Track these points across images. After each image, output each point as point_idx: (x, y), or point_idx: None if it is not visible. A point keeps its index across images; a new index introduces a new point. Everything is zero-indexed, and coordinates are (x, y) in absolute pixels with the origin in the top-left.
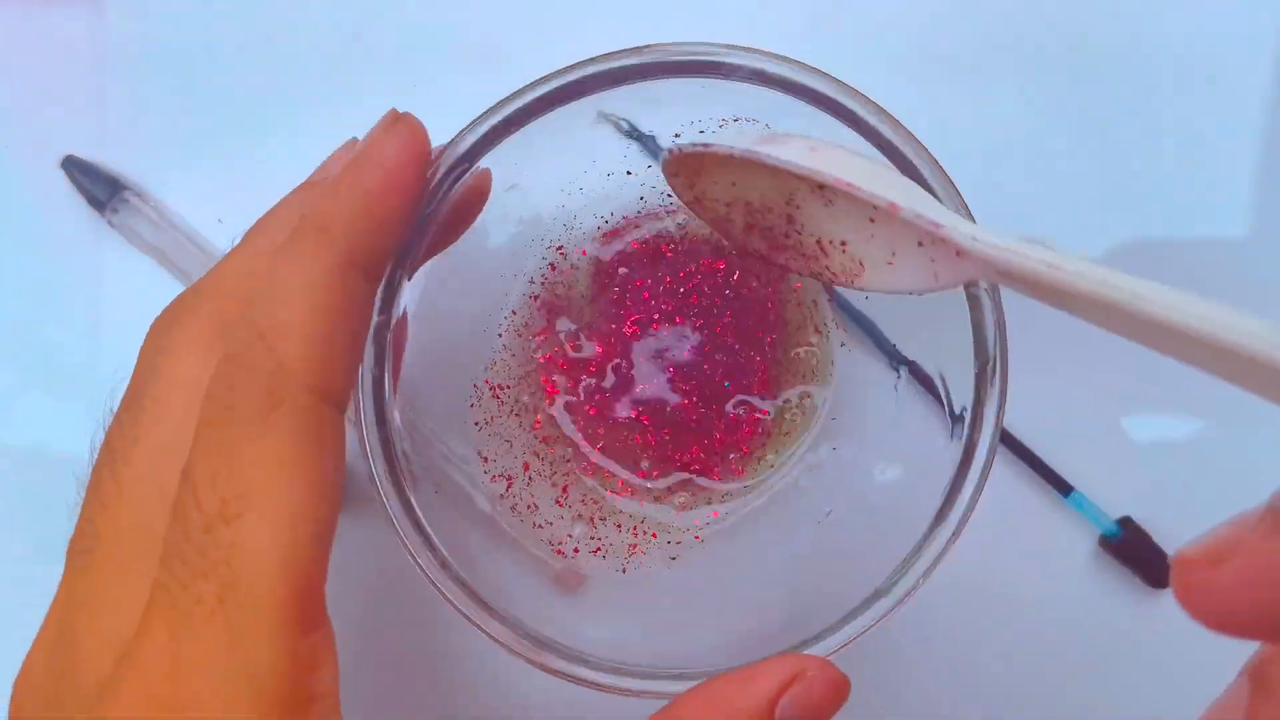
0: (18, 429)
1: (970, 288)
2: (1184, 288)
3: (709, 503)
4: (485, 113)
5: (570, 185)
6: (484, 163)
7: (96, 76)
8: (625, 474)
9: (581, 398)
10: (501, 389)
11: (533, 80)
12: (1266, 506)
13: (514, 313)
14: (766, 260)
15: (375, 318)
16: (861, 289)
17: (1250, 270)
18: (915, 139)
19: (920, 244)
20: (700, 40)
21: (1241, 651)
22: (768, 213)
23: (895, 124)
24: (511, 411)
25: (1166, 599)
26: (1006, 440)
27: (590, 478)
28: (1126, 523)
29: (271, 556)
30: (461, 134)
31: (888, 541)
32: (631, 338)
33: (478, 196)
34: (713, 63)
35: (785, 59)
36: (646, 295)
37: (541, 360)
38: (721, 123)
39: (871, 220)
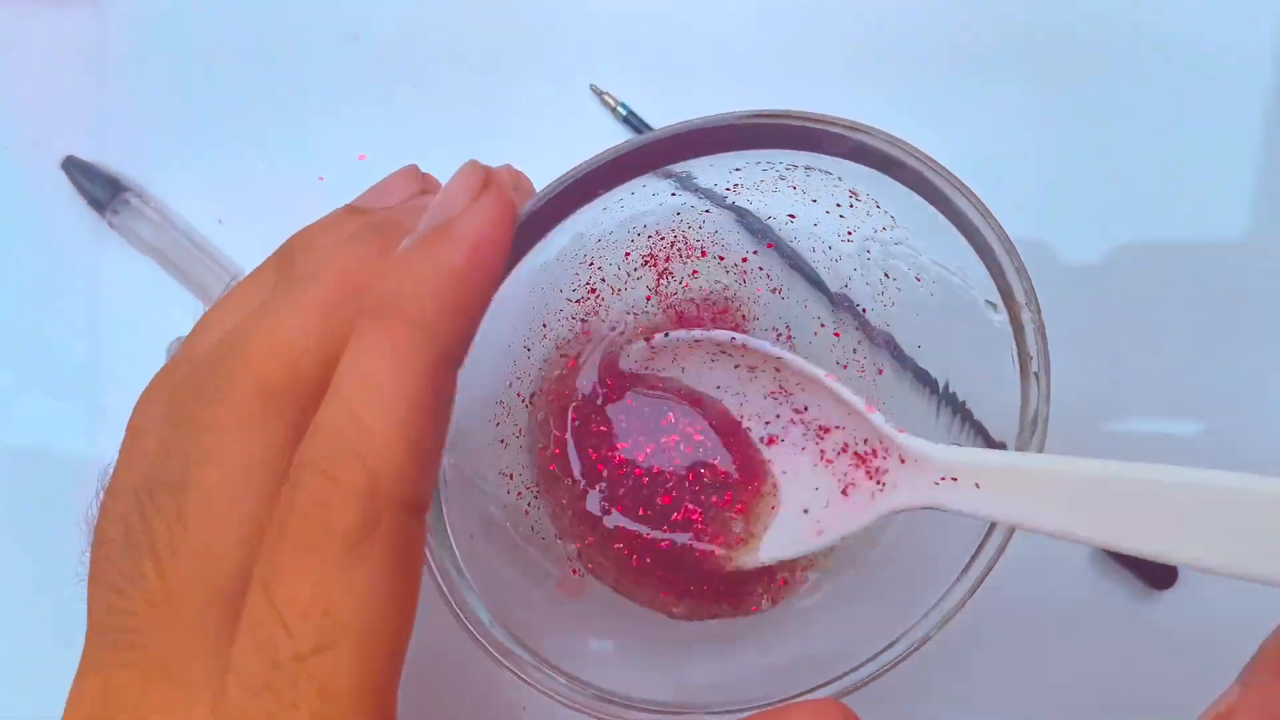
0: (17, 429)
1: (1025, 363)
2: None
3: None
4: (566, 184)
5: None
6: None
7: (97, 78)
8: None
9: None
10: (527, 407)
11: (623, 149)
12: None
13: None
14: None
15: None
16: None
17: (1251, 271)
18: (992, 217)
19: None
20: (793, 110)
21: (1241, 651)
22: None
23: (966, 190)
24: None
25: (1166, 599)
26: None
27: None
28: None
29: (364, 682)
30: (541, 203)
31: (908, 588)
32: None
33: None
34: (810, 132)
35: (884, 135)
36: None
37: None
38: (790, 167)
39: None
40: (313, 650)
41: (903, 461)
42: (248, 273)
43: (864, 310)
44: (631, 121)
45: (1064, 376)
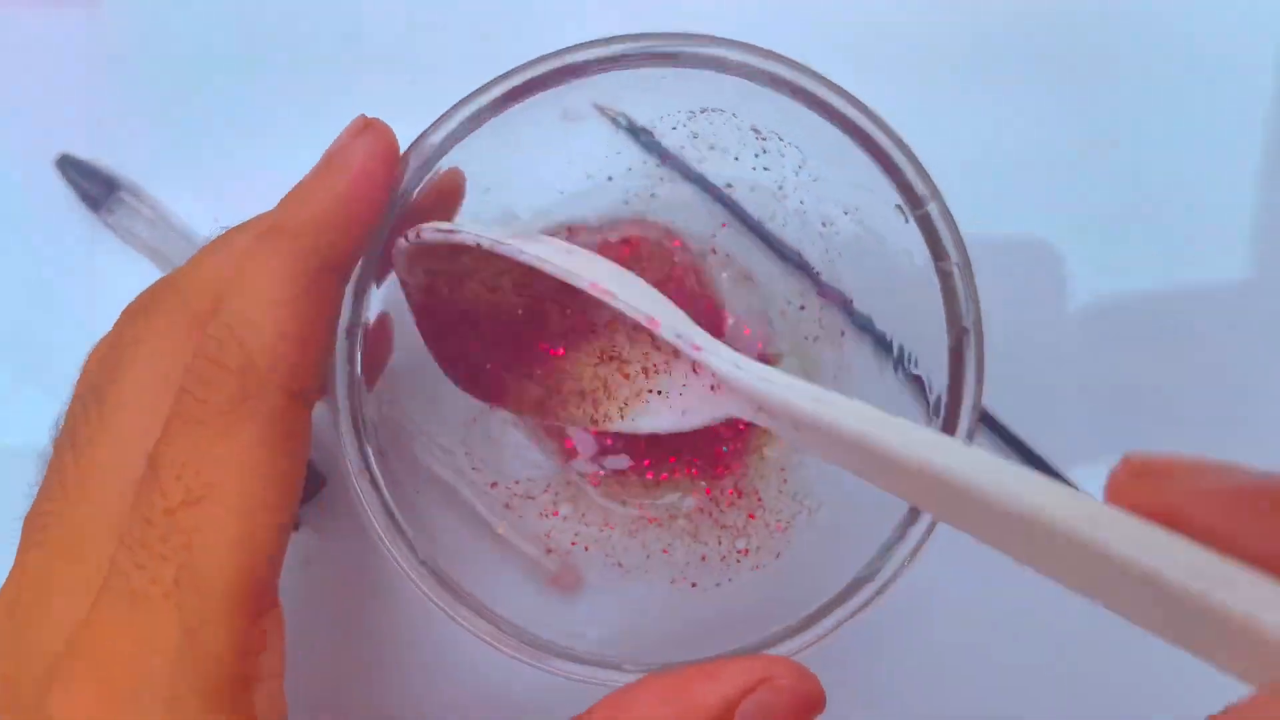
0: (11, 429)
1: (941, 263)
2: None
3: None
4: (450, 109)
5: (549, 187)
6: (458, 163)
7: (92, 76)
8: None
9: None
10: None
11: (493, 79)
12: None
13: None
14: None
15: (348, 314)
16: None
17: (1252, 271)
18: (882, 120)
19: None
20: (660, 30)
21: None
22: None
23: (858, 103)
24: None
25: None
26: (1007, 440)
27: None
28: None
29: (230, 543)
30: (426, 132)
31: (877, 531)
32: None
33: (450, 196)
34: (671, 53)
35: (742, 44)
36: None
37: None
38: (691, 114)
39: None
40: (182, 504)
41: (696, 372)
42: None
43: (819, 273)
44: (632, 131)
45: (1064, 375)
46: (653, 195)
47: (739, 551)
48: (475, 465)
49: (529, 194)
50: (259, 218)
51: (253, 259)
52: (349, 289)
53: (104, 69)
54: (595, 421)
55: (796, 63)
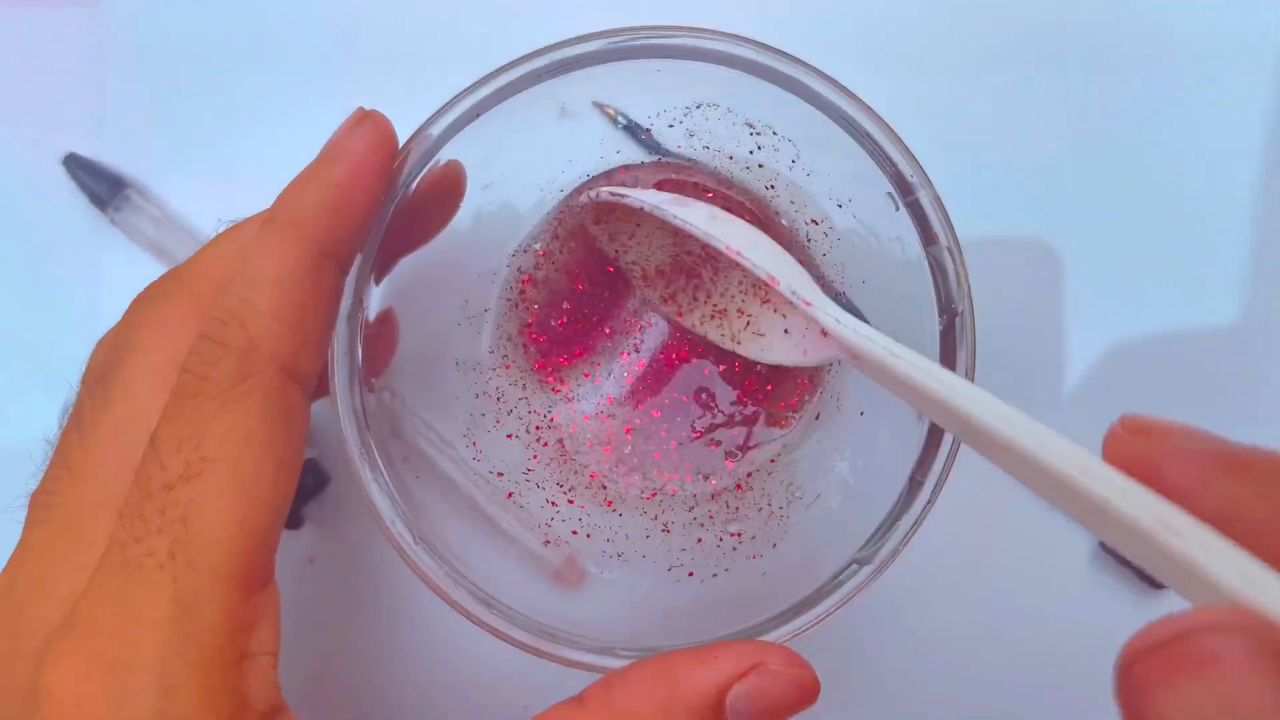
0: (17, 428)
1: (932, 248)
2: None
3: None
4: (450, 100)
5: (551, 184)
6: (456, 156)
7: (97, 75)
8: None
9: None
10: (492, 376)
11: (491, 71)
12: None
13: (503, 301)
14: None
15: (348, 302)
16: (742, 354)
17: (1251, 270)
18: (871, 109)
19: (788, 330)
20: (655, 24)
21: None
22: (674, 272)
23: (847, 93)
24: (501, 402)
25: (1167, 599)
26: None
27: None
28: None
29: (225, 518)
30: (425, 123)
31: (869, 519)
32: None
33: (450, 190)
34: (666, 45)
35: (736, 37)
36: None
37: (529, 349)
38: (686, 110)
39: (761, 299)
40: (180, 478)
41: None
42: None
43: (823, 278)
44: (632, 130)
45: (1064, 377)
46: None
47: (732, 535)
48: (477, 456)
49: (529, 190)
50: (265, 211)
51: (255, 246)
52: (350, 278)
53: (110, 69)
54: (727, 338)
55: (788, 54)
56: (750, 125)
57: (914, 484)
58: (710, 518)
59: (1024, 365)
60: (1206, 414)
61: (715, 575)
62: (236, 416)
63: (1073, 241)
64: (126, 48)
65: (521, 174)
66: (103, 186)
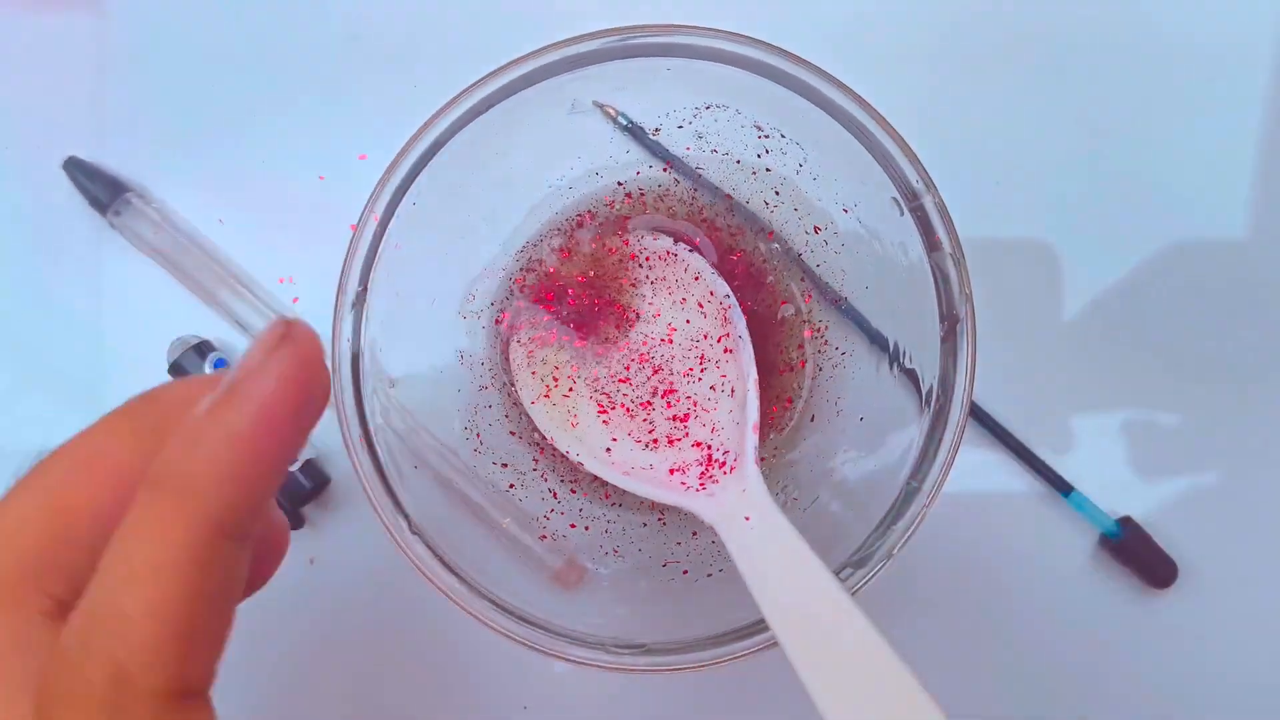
0: (18, 430)
1: (935, 254)
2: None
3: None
4: (458, 94)
5: (557, 179)
6: (464, 148)
7: (98, 79)
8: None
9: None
10: (496, 369)
11: (499, 65)
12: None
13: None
14: None
15: (355, 288)
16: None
17: (1252, 269)
18: (880, 115)
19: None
20: (665, 23)
21: (1240, 650)
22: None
23: (858, 98)
24: (504, 402)
25: (1167, 599)
26: (1006, 440)
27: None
28: (1126, 523)
29: None
30: (432, 117)
31: (864, 522)
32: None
33: (270, 552)
34: (675, 45)
35: (745, 38)
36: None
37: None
38: (696, 111)
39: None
40: None
41: (744, 491)
42: (249, 274)
43: (823, 280)
44: (633, 130)
45: (1064, 377)
46: (660, 196)
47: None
48: (478, 448)
49: (537, 185)
50: (81, 439)
51: (128, 524)
52: (346, 305)
53: (110, 73)
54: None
55: (799, 57)
56: (759, 128)
57: (911, 487)
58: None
59: (1024, 366)
60: (1206, 413)
61: (710, 575)
62: None
63: (1073, 241)
64: (127, 52)
65: (530, 168)
66: (103, 190)
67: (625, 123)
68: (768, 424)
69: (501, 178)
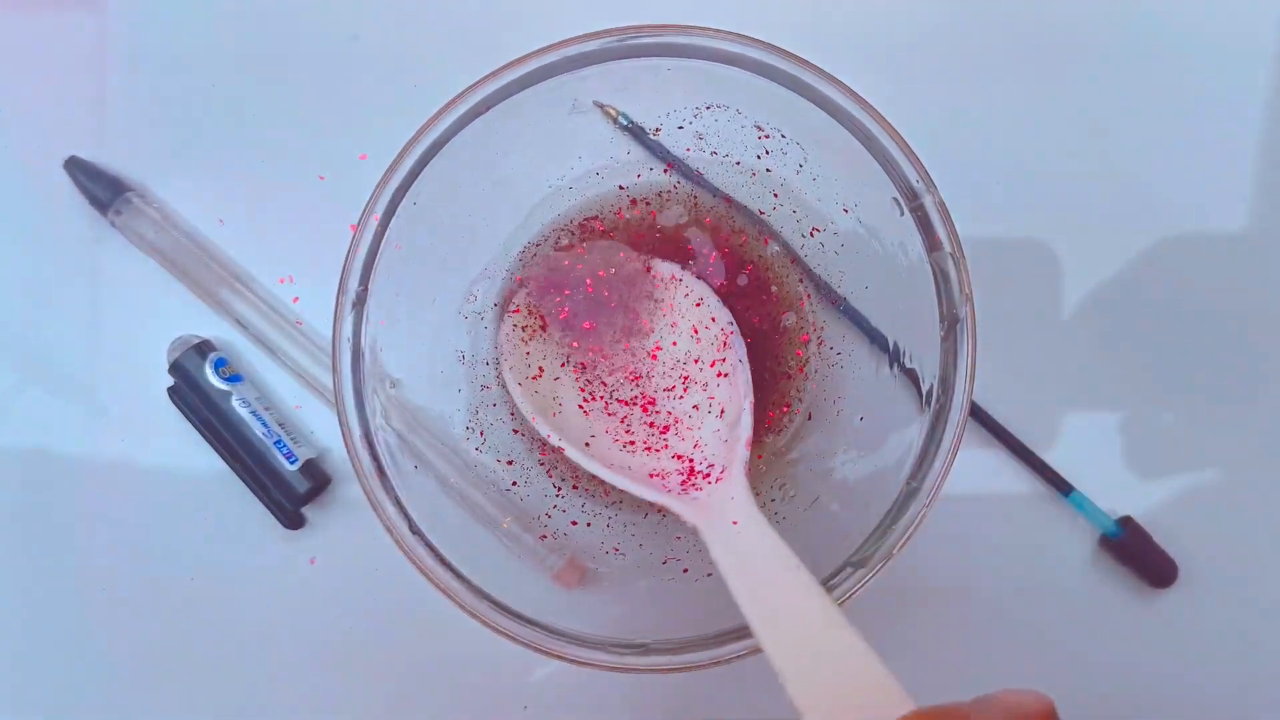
0: (18, 429)
1: (935, 254)
2: None
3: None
4: (460, 93)
5: (558, 179)
6: (465, 148)
7: (99, 79)
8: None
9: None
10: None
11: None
12: None
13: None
14: None
15: (355, 289)
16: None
17: (1250, 268)
18: (881, 115)
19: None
20: (666, 23)
21: (1240, 649)
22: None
23: (859, 99)
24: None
25: (1166, 599)
26: (1007, 441)
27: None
28: (1126, 522)
29: None
30: (435, 116)
31: (865, 522)
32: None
33: None
34: (676, 44)
35: (746, 38)
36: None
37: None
38: (696, 111)
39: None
40: None
41: (732, 499)
42: (249, 274)
43: (824, 280)
44: (633, 130)
45: (1064, 378)
46: (659, 196)
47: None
48: (479, 448)
49: (538, 185)
50: None
51: None
52: (357, 264)
53: (111, 73)
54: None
55: (799, 57)
56: (759, 128)
57: (910, 487)
58: None
59: (1024, 366)
60: (1206, 413)
61: (709, 574)
62: None
63: (1073, 241)
64: (128, 52)
65: (531, 169)
66: (103, 190)
67: (625, 123)
68: (765, 427)
69: (501, 178)
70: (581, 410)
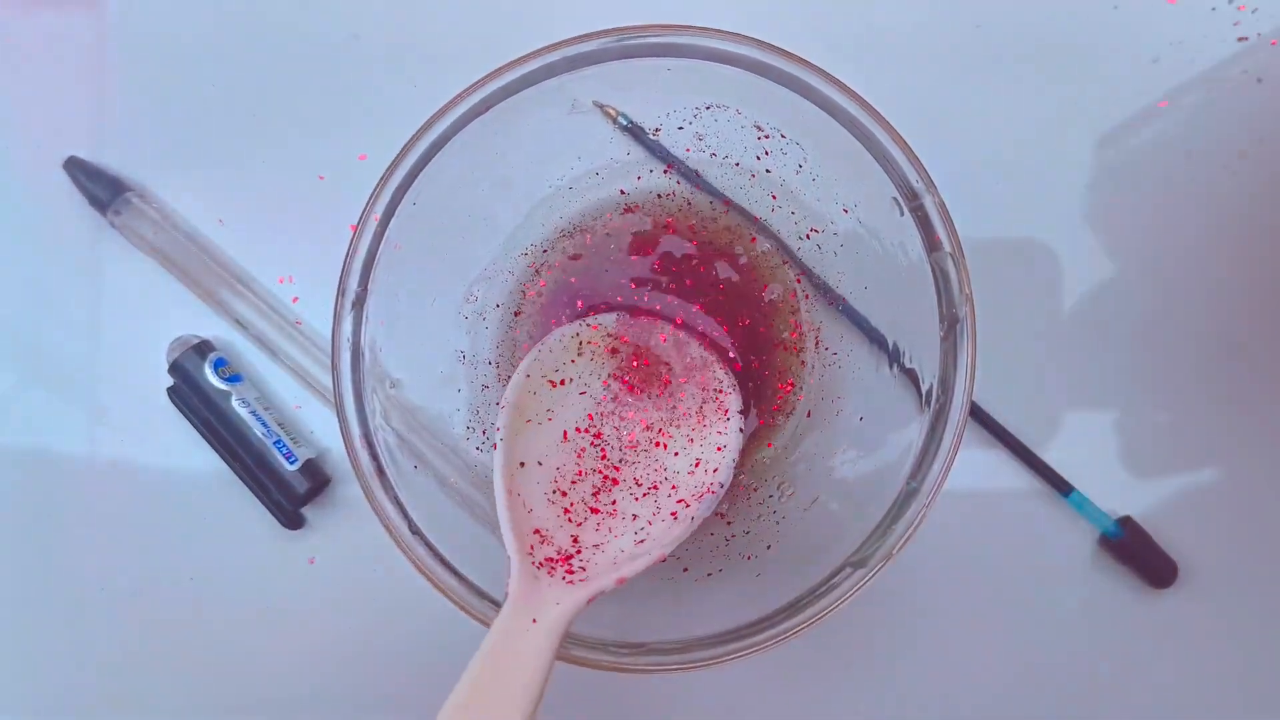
0: (18, 429)
1: (935, 254)
2: None
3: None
4: (460, 93)
5: (558, 179)
6: (465, 148)
7: (98, 78)
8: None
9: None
10: (497, 369)
11: (500, 65)
12: None
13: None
14: None
15: (355, 289)
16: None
17: (1250, 269)
18: (881, 115)
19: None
20: (661, 23)
21: (1239, 650)
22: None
23: (859, 99)
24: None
25: (1166, 599)
26: (1006, 441)
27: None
28: (1126, 522)
29: None
30: (434, 116)
31: (864, 523)
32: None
33: None
34: (676, 45)
35: (746, 38)
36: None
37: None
38: (696, 111)
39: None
40: None
41: (556, 604)
42: (249, 274)
43: (823, 280)
44: (633, 130)
45: (1064, 377)
46: (659, 197)
47: (728, 538)
48: (479, 447)
49: (538, 184)
50: None
51: None
52: (357, 263)
53: (110, 72)
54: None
55: (799, 57)
56: (759, 128)
57: (910, 487)
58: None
59: (1024, 366)
60: (1206, 413)
61: (709, 575)
62: None
63: (1072, 241)
64: (128, 51)
65: (530, 169)
66: (103, 190)
67: (625, 123)
68: (763, 426)
69: (501, 178)
70: (564, 435)
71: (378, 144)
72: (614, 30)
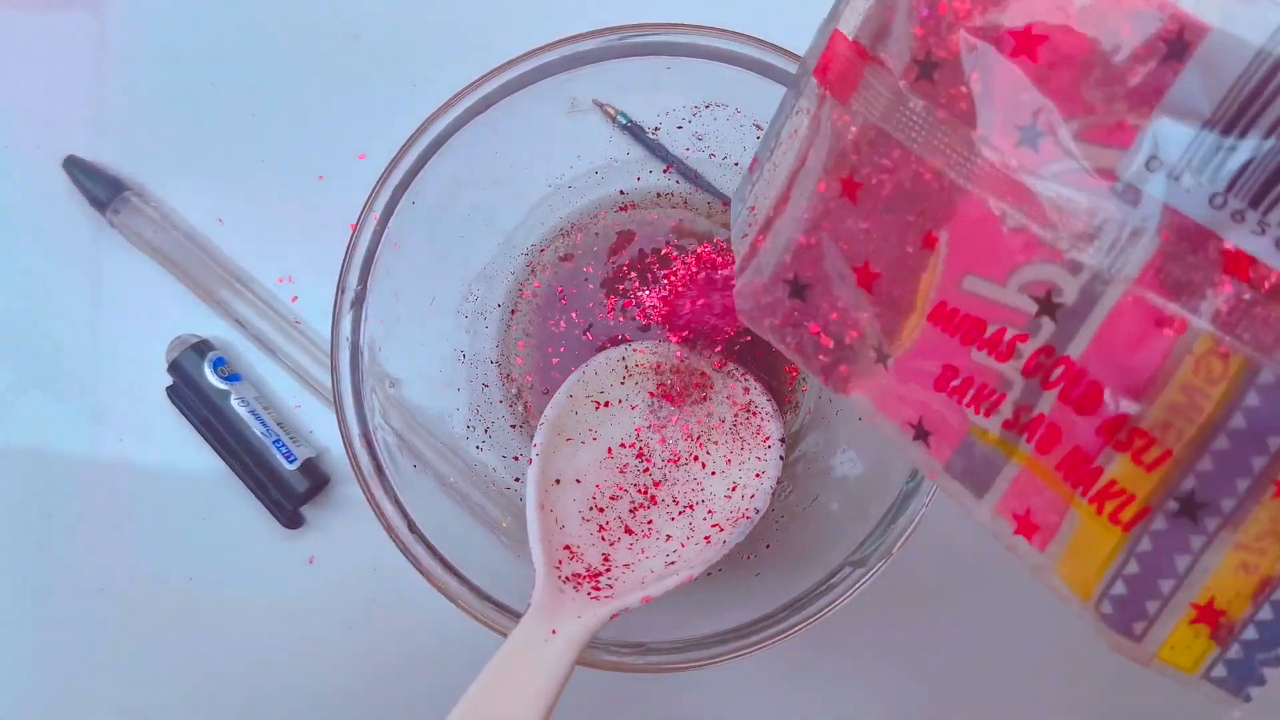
0: (18, 429)
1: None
2: None
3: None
4: (459, 92)
5: (557, 178)
6: (464, 148)
7: (98, 78)
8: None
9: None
10: (497, 368)
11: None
12: None
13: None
14: None
15: (355, 288)
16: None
17: None
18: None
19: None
20: (660, 22)
21: None
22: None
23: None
24: (506, 398)
25: None
26: None
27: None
28: None
29: None
30: (433, 116)
31: (862, 523)
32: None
33: None
34: (674, 44)
35: (744, 36)
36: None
37: (523, 346)
38: (695, 110)
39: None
40: None
41: (578, 618)
42: (248, 274)
43: None
44: (632, 129)
45: None
46: (658, 196)
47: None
48: (480, 445)
49: (537, 183)
50: None
51: None
52: (357, 261)
53: (110, 72)
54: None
55: (799, 56)
56: (758, 127)
57: (910, 487)
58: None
59: None
60: None
61: (709, 574)
62: None
63: None
64: (127, 52)
65: (530, 168)
66: (102, 189)
67: (624, 122)
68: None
69: (501, 177)
70: (608, 452)
71: (377, 143)
72: (613, 29)
